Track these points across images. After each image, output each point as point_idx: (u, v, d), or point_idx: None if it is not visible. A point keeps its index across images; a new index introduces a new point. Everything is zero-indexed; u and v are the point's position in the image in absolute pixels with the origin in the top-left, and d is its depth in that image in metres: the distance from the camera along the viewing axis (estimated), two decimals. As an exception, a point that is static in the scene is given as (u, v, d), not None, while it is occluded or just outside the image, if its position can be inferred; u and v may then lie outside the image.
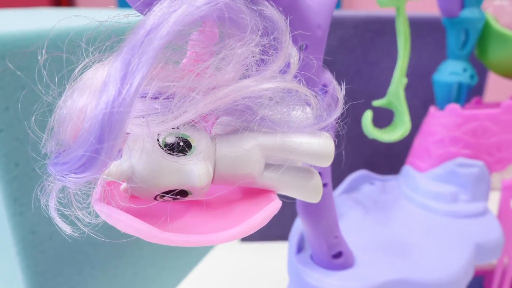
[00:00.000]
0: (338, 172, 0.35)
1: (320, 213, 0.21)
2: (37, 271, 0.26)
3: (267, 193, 0.16)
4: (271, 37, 0.14)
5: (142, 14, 0.13)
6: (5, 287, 0.28)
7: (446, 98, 0.32)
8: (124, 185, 0.14)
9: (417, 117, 0.37)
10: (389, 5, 0.26)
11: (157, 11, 0.11)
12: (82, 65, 0.13)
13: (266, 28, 0.14)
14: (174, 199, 0.14)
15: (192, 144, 0.13)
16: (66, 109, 0.12)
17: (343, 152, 0.40)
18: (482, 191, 0.30)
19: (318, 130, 0.15)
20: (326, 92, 0.19)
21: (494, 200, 0.41)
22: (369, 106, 0.27)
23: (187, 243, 0.13)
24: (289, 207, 0.24)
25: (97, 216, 0.13)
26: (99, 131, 0.11)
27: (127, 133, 0.13)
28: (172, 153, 0.13)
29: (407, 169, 0.33)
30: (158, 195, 0.14)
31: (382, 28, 0.41)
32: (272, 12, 0.14)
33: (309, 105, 0.15)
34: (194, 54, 0.14)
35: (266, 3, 0.14)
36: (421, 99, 0.43)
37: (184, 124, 0.13)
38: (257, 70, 0.14)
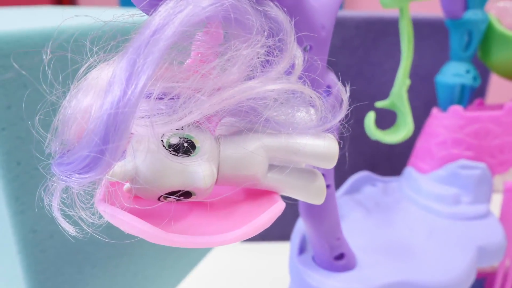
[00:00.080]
0: (339, 173, 0.35)
1: (323, 215, 0.21)
2: (38, 270, 0.26)
3: (270, 194, 0.16)
4: (277, 38, 0.13)
5: (147, 14, 0.13)
6: (5, 286, 0.28)
7: (448, 100, 0.32)
8: (127, 185, 0.14)
9: (419, 118, 0.37)
10: (392, 6, 0.26)
11: (162, 11, 0.11)
12: (86, 65, 0.13)
13: (271, 29, 0.14)
14: (177, 200, 0.14)
15: (196, 145, 0.13)
16: (70, 109, 0.12)
17: (347, 154, 0.40)
18: (484, 193, 0.30)
19: (322, 132, 0.15)
20: (329, 93, 0.19)
21: (496, 202, 0.41)
22: (371, 106, 0.27)
23: (190, 245, 0.13)
24: (290, 207, 0.24)
25: (100, 216, 0.13)
26: (104, 132, 0.11)
27: (131, 134, 0.13)
28: (176, 154, 0.13)
29: (409, 170, 0.33)
30: (162, 196, 0.14)
31: (384, 29, 0.41)
32: (277, 12, 0.14)
33: (313, 106, 0.15)
34: (199, 55, 0.13)
35: (271, 3, 0.14)
36: (423, 100, 0.43)
37: (189, 125, 0.13)
38: (262, 71, 0.13)
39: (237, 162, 0.14)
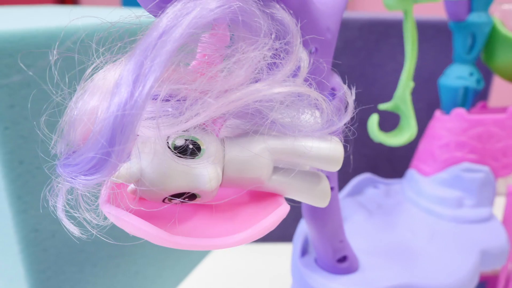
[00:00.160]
0: (341, 175, 0.35)
1: (326, 217, 0.21)
2: (39, 269, 0.26)
3: (274, 197, 0.16)
4: (285, 41, 0.13)
5: (154, 16, 0.13)
6: (7, 284, 0.28)
7: (452, 102, 0.32)
8: (131, 186, 0.14)
9: (422, 120, 0.37)
10: (397, 8, 0.26)
11: (170, 13, 0.11)
12: (93, 66, 0.13)
13: (278, 32, 0.14)
14: (182, 202, 0.14)
15: (201, 147, 0.13)
16: (76, 110, 0.12)
17: (351, 157, 0.40)
18: (487, 196, 0.30)
19: (328, 134, 0.15)
20: (334, 95, 0.19)
21: (499, 206, 0.41)
22: (373, 108, 0.27)
23: (195, 247, 0.13)
24: (291, 208, 0.24)
25: (105, 218, 0.13)
26: (110, 134, 0.11)
27: (136, 135, 0.13)
28: (181, 156, 0.13)
29: (411, 172, 0.33)
30: (167, 197, 0.14)
31: (387, 30, 0.41)
32: (283, 15, 0.14)
33: (318, 109, 0.15)
34: (205, 57, 0.13)
35: (277, 6, 0.14)
36: (426, 103, 0.43)
37: (194, 127, 0.13)
38: (268, 74, 0.13)
39: (242, 164, 0.14)
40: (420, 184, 0.31)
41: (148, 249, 0.34)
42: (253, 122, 0.14)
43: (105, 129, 0.11)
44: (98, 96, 0.12)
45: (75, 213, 0.13)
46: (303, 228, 0.27)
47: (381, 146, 0.34)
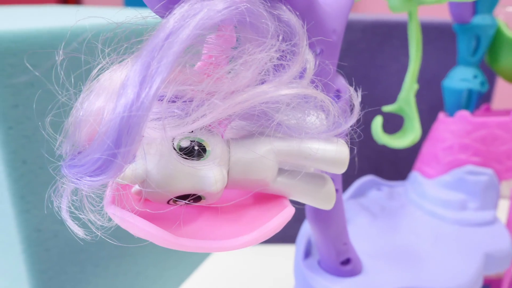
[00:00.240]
0: (344, 177, 0.35)
1: (330, 219, 0.21)
2: (41, 269, 0.26)
3: (279, 199, 0.16)
4: (292, 42, 0.13)
5: (161, 17, 0.13)
6: (9, 284, 0.27)
7: (455, 105, 0.32)
8: (135, 187, 0.14)
9: (425, 122, 0.37)
10: (401, 10, 0.26)
11: (177, 14, 0.11)
12: (99, 66, 0.13)
13: (284, 33, 0.14)
14: (187, 203, 0.14)
15: (207, 149, 0.13)
16: (82, 111, 0.12)
17: (356, 159, 0.39)
18: (491, 199, 0.30)
19: (333, 137, 0.15)
20: (339, 97, 0.19)
21: (503, 209, 0.40)
22: (376, 110, 0.27)
23: (200, 249, 0.13)
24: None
25: (109, 219, 0.13)
26: (116, 135, 0.11)
27: (142, 136, 0.13)
28: (187, 157, 0.13)
29: (415, 175, 0.33)
30: (172, 199, 0.13)
31: (390, 32, 0.40)
32: (289, 16, 0.14)
33: (324, 111, 0.15)
34: (212, 58, 0.13)
35: (284, 7, 0.14)
36: (429, 105, 0.43)
37: (200, 128, 0.13)
38: (274, 75, 0.13)
39: (247, 166, 0.14)
40: (424, 187, 0.31)
41: (150, 250, 0.34)
42: (259, 123, 0.14)
43: (111, 130, 0.11)
44: (104, 97, 0.12)
45: (80, 214, 0.13)
46: (306, 229, 0.27)
47: (384, 148, 0.34)
